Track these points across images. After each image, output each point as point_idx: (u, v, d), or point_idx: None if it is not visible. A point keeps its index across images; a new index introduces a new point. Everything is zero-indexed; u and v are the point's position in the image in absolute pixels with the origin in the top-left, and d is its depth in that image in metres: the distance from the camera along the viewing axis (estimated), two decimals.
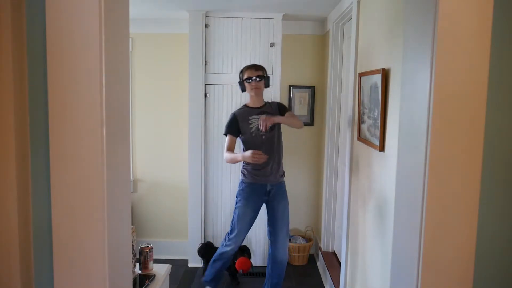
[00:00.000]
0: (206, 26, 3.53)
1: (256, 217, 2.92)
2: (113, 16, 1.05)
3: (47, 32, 0.99)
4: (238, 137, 2.90)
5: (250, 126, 2.83)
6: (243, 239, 2.93)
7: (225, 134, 2.91)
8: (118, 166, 1.11)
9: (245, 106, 2.94)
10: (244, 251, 3.36)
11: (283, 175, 2.94)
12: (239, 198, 2.90)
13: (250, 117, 2.84)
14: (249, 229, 2.92)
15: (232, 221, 2.91)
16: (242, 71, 2.90)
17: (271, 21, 3.54)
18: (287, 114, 2.87)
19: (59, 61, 1.00)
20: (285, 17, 3.59)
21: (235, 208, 2.91)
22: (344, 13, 2.98)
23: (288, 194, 3.20)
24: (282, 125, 2.93)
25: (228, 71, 3.59)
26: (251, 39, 3.56)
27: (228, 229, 3.05)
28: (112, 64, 1.05)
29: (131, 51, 3.85)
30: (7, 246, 1.02)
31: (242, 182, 2.91)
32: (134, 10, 3.35)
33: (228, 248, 2.90)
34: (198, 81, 3.54)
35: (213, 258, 3.00)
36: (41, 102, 1.03)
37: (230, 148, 2.87)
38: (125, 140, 1.15)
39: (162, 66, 3.88)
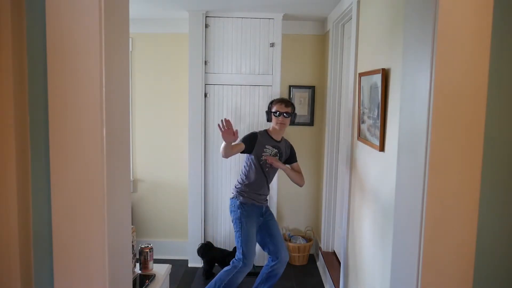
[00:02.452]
0: (206, 26, 3.53)
1: None
2: (113, 16, 1.05)
3: (47, 32, 0.99)
4: (248, 155, 2.95)
5: (263, 153, 2.92)
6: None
7: (241, 140, 2.91)
8: (118, 166, 1.10)
9: (267, 132, 3.00)
10: None
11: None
12: (242, 220, 2.87)
13: (267, 146, 2.94)
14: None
15: (241, 245, 2.85)
16: (272, 102, 3.00)
17: (271, 21, 3.54)
18: (295, 166, 3.08)
19: (59, 61, 1.00)
20: (285, 17, 3.59)
21: (239, 230, 2.87)
22: (344, 13, 2.98)
23: (288, 194, 3.20)
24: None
25: (228, 71, 3.59)
26: (251, 39, 3.56)
27: (232, 249, 3.27)
28: (112, 64, 1.05)
29: (131, 51, 3.85)
30: (7, 247, 1.02)
31: (241, 204, 2.89)
32: (134, 10, 3.35)
33: (245, 271, 2.87)
34: (198, 81, 3.54)
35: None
36: (41, 102, 1.03)
37: (232, 146, 2.79)
38: (125, 140, 1.15)
39: (162, 66, 3.88)
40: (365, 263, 2.30)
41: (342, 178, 3.28)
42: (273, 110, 2.93)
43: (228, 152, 2.74)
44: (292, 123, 3.01)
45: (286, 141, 3.09)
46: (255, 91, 3.61)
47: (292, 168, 3.06)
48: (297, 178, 3.02)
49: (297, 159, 3.14)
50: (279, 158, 2.96)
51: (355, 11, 2.58)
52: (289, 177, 3.03)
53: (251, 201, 2.91)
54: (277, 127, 2.93)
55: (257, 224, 2.95)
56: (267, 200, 3.09)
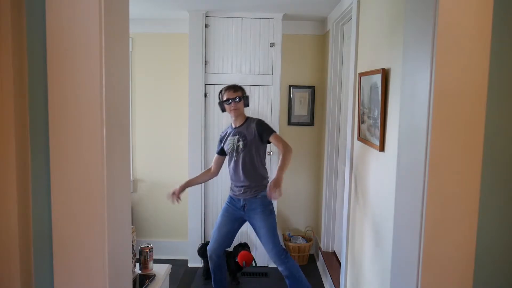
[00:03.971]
0: (206, 26, 3.53)
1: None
2: (113, 16, 1.05)
3: (47, 32, 0.99)
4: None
5: (228, 147, 2.92)
6: None
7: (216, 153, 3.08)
8: (118, 166, 1.10)
9: (230, 125, 3.01)
10: (245, 246, 3.37)
11: (256, 190, 2.86)
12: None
13: (228, 137, 2.94)
14: None
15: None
16: (221, 92, 2.94)
17: (271, 21, 3.54)
18: (272, 139, 2.78)
19: (59, 61, 1.00)
20: (285, 17, 3.59)
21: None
22: (344, 13, 2.98)
23: (288, 194, 3.15)
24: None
25: (228, 71, 3.59)
26: (251, 39, 3.56)
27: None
28: (112, 64, 1.05)
29: (131, 51, 3.85)
30: (7, 246, 1.02)
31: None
32: (134, 10, 3.35)
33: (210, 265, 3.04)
34: (198, 81, 3.54)
35: None
36: (41, 102, 1.03)
37: (213, 164, 3.06)
38: (125, 140, 1.15)
39: (162, 66, 3.88)
40: (365, 263, 2.30)
41: (342, 178, 3.29)
42: (224, 99, 2.88)
43: (208, 174, 3.08)
44: (246, 105, 2.91)
45: (250, 121, 2.90)
46: (255, 91, 3.61)
47: (260, 157, 2.84)
48: (286, 158, 2.67)
49: (297, 158, 3.11)
50: (242, 142, 2.83)
51: (355, 11, 2.58)
52: (287, 166, 2.68)
53: (230, 193, 2.97)
54: (231, 114, 2.90)
55: (233, 216, 2.91)
56: (248, 191, 2.83)
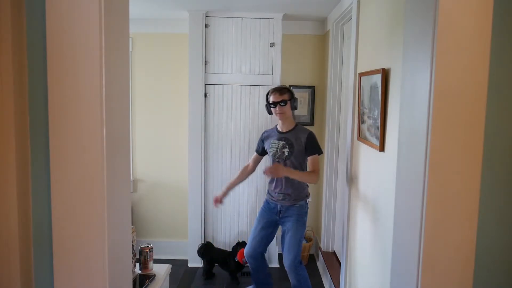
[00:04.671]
0: (206, 26, 3.53)
1: None
2: (113, 16, 1.05)
3: (47, 32, 0.99)
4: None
5: (270, 150, 2.87)
6: None
7: (255, 151, 3.08)
8: (118, 166, 1.10)
9: (276, 126, 2.94)
10: (243, 245, 3.37)
11: (296, 199, 2.82)
12: (258, 214, 2.98)
13: (273, 140, 2.87)
14: None
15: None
16: (268, 94, 2.88)
17: (271, 21, 3.54)
18: (309, 160, 2.75)
19: (59, 61, 1.00)
20: (285, 17, 3.59)
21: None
22: (344, 13, 2.98)
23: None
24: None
25: (228, 71, 3.59)
26: (251, 39, 3.56)
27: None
28: (112, 64, 1.05)
29: (131, 51, 3.85)
30: (7, 246, 1.02)
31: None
32: (134, 10, 3.35)
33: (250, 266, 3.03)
34: (198, 81, 3.54)
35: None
36: (41, 102, 1.03)
37: (251, 161, 3.05)
38: (125, 140, 1.15)
39: (162, 66, 3.88)
40: (365, 263, 2.30)
41: (342, 178, 3.28)
42: (270, 102, 2.82)
43: (246, 172, 3.05)
44: (295, 108, 2.83)
45: (301, 130, 2.80)
46: (255, 91, 3.61)
47: (299, 172, 2.74)
48: (306, 179, 2.75)
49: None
50: (288, 149, 2.75)
51: (355, 11, 2.58)
52: (300, 178, 2.75)
53: (267, 197, 2.95)
54: (278, 117, 2.82)
55: (268, 221, 2.90)
56: (287, 199, 2.80)
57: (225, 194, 3.00)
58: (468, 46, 1.14)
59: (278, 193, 2.82)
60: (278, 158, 2.81)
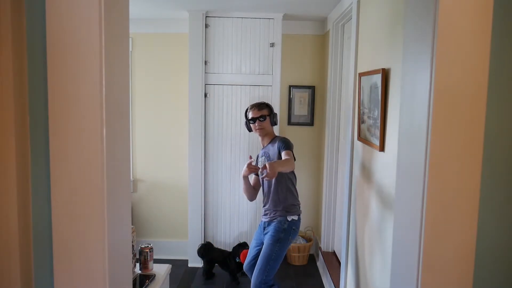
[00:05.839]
0: (206, 26, 3.53)
1: None
2: (113, 16, 1.05)
3: (47, 32, 0.99)
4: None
5: (259, 166, 2.78)
6: None
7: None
8: (118, 166, 1.10)
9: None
10: (244, 246, 3.38)
11: (275, 214, 2.73)
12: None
13: (258, 159, 2.85)
14: None
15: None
16: (247, 110, 2.81)
17: (271, 21, 3.54)
18: (283, 154, 2.62)
19: (59, 61, 1.00)
20: (285, 17, 3.59)
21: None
22: (344, 13, 2.98)
23: None
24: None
25: (228, 71, 3.59)
26: (251, 39, 3.56)
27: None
28: (112, 64, 1.05)
29: (131, 51, 3.85)
30: (7, 246, 1.02)
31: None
32: (134, 10, 3.35)
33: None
34: (198, 81, 3.54)
35: None
36: (41, 102, 1.03)
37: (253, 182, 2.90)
38: (125, 140, 1.15)
39: (162, 66, 3.88)
40: (365, 263, 2.30)
41: (342, 178, 3.29)
42: (249, 118, 2.77)
43: (251, 190, 2.86)
44: (274, 123, 2.79)
45: (278, 139, 2.74)
46: (255, 91, 3.62)
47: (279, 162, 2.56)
48: (286, 164, 2.52)
49: (297, 159, 3.06)
50: (267, 160, 2.75)
51: (355, 11, 2.58)
52: (283, 166, 2.53)
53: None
54: (257, 133, 2.80)
55: (257, 239, 2.84)
56: (268, 214, 2.74)
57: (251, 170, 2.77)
58: (468, 46, 1.14)
59: (264, 209, 2.80)
60: (261, 175, 2.65)
